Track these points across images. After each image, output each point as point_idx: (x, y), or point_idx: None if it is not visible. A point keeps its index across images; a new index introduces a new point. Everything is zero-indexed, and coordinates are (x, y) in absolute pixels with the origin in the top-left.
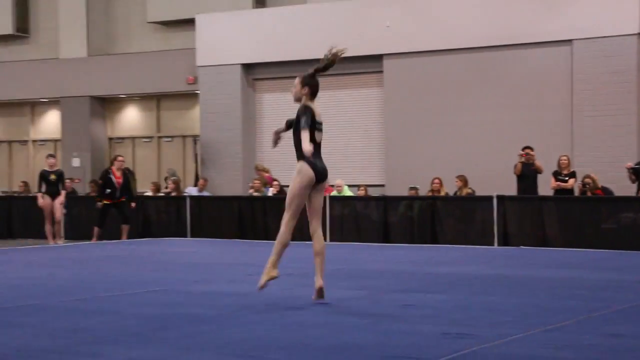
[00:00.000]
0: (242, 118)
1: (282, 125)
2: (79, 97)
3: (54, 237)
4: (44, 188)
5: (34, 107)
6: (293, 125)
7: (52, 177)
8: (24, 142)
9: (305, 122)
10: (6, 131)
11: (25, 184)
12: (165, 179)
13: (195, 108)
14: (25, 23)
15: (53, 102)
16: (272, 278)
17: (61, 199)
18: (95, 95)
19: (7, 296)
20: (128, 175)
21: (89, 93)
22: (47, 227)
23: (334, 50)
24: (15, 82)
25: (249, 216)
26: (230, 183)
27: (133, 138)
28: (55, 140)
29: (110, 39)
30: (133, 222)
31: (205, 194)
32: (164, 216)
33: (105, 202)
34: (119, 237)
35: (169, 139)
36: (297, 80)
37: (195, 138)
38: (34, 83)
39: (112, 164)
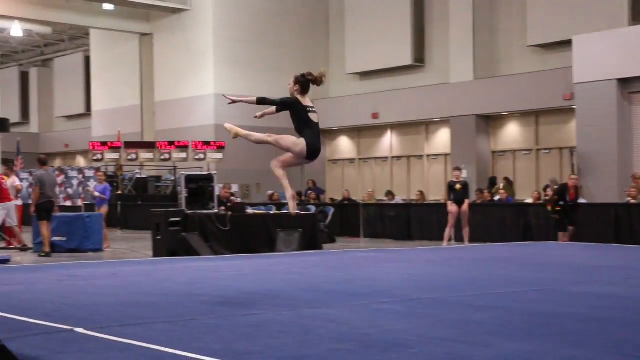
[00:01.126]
0: (617, 130)
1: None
2: (466, 116)
3: (449, 239)
4: (451, 196)
5: (427, 126)
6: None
7: (458, 186)
8: (420, 157)
9: (280, 99)
10: (405, 148)
11: (421, 193)
12: (545, 188)
13: (572, 122)
14: (421, 54)
15: (444, 122)
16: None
17: (465, 206)
18: (480, 113)
19: (408, 290)
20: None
21: (474, 112)
22: (447, 231)
23: (320, 73)
24: (412, 105)
25: (625, 222)
26: (606, 191)
27: (514, 151)
28: (446, 155)
29: (494, 63)
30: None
31: (581, 201)
32: (543, 222)
33: (557, 209)
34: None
35: (547, 151)
36: (291, 80)
37: (571, 149)
38: (427, 106)
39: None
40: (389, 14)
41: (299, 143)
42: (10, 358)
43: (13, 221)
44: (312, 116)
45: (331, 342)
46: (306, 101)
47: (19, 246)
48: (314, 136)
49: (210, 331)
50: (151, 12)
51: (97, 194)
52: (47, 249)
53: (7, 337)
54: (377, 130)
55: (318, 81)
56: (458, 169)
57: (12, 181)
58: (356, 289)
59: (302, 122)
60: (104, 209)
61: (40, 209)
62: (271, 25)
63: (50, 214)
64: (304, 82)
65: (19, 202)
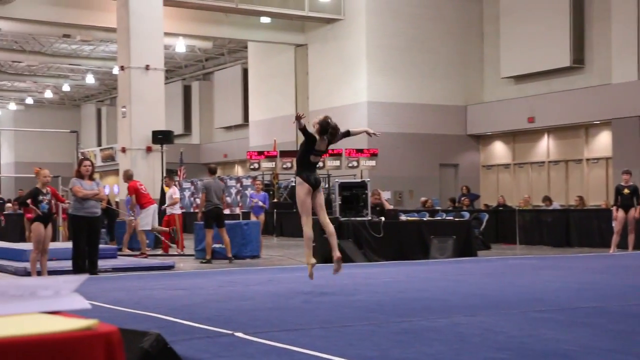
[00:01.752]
0: None
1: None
2: (630, 117)
3: (616, 246)
4: (618, 201)
5: (587, 129)
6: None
7: (626, 191)
8: (579, 161)
9: (300, 155)
10: (562, 152)
11: (580, 198)
12: None
13: None
14: (581, 55)
15: (605, 124)
16: (313, 265)
17: (633, 212)
18: None
19: (568, 298)
20: None
21: (639, 114)
22: (614, 238)
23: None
24: (570, 108)
25: None
26: None
27: None
28: (607, 159)
29: None
30: None
31: None
32: None
33: None
34: None
35: None
36: (315, 120)
37: None
38: (587, 108)
39: None
40: (546, 15)
41: (300, 184)
42: None
43: (154, 225)
44: (312, 158)
45: (487, 350)
46: (320, 143)
47: (181, 252)
48: (309, 171)
49: (365, 337)
50: (306, 23)
51: (261, 203)
52: (209, 257)
53: (173, 339)
54: (533, 134)
55: (331, 129)
56: (627, 172)
57: (172, 192)
58: (512, 296)
59: (303, 156)
60: (262, 217)
61: (206, 216)
62: (424, 31)
63: (219, 221)
64: (324, 125)
65: (178, 211)
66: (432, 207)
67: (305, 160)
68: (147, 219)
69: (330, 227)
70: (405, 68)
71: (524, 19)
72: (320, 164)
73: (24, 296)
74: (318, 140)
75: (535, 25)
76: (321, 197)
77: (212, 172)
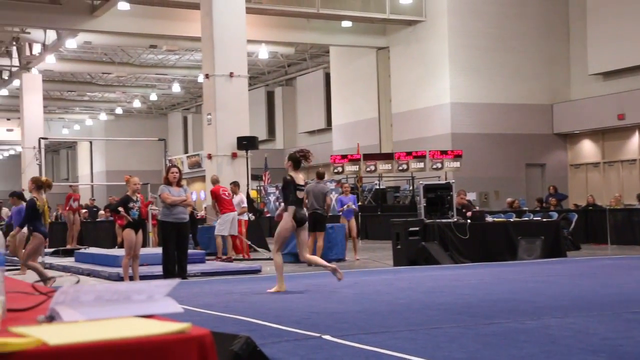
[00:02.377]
0: None
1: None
2: None
3: None
4: None
5: None
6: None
7: None
8: None
9: (286, 196)
10: None
11: None
12: None
13: None
14: None
15: None
16: (281, 290)
17: None
18: None
19: None
20: None
21: None
22: None
23: (304, 153)
24: None
25: None
26: None
27: None
28: None
29: None
30: None
31: None
32: None
33: None
34: None
35: None
36: (286, 157)
37: None
38: None
39: None
40: (635, 8)
41: (286, 218)
42: None
43: (232, 231)
44: (299, 194)
45: (580, 352)
46: (298, 178)
47: (245, 257)
48: (300, 207)
49: (454, 340)
50: (387, 25)
51: (353, 206)
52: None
53: (262, 342)
54: (623, 131)
55: (306, 158)
56: None
57: (239, 199)
58: (605, 297)
59: (290, 194)
60: (353, 222)
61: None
62: (507, 30)
63: (318, 225)
64: (296, 160)
65: (245, 217)
66: (519, 208)
67: (293, 197)
68: (224, 225)
69: (313, 259)
70: (488, 68)
71: (612, 14)
72: (404, 165)
73: (119, 300)
74: (294, 175)
75: (624, 20)
76: (305, 235)
77: (318, 176)
